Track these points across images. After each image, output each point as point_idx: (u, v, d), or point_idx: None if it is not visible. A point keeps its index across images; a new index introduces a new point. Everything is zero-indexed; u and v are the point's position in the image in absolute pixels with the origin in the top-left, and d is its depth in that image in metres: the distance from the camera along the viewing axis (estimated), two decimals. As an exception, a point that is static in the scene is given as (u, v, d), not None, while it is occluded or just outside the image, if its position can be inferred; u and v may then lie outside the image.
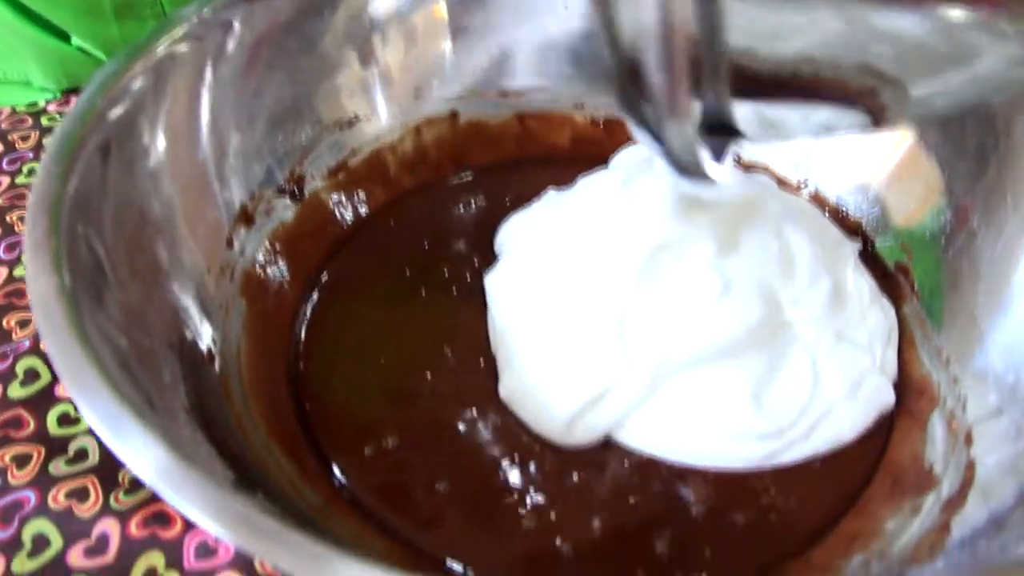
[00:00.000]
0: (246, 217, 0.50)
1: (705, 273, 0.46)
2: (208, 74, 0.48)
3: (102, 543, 0.44)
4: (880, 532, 0.43)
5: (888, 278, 0.53)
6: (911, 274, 0.52)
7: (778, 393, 0.46)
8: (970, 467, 0.43)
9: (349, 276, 0.53)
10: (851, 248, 0.52)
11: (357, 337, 0.50)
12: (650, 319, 0.46)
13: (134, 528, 0.45)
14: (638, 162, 0.55)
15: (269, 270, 0.50)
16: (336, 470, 0.44)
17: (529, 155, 0.60)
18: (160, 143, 0.44)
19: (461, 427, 0.46)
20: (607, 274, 0.47)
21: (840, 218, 0.56)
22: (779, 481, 0.45)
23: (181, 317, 0.43)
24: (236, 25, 0.49)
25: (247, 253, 0.50)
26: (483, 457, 0.45)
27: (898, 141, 0.54)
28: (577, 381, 0.45)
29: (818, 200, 0.57)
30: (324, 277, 0.53)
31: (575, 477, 0.45)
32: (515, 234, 0.52)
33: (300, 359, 0.49)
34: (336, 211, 0.55)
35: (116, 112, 0.42)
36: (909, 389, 0.49)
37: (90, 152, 0.40)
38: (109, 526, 0.45)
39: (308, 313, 0.51)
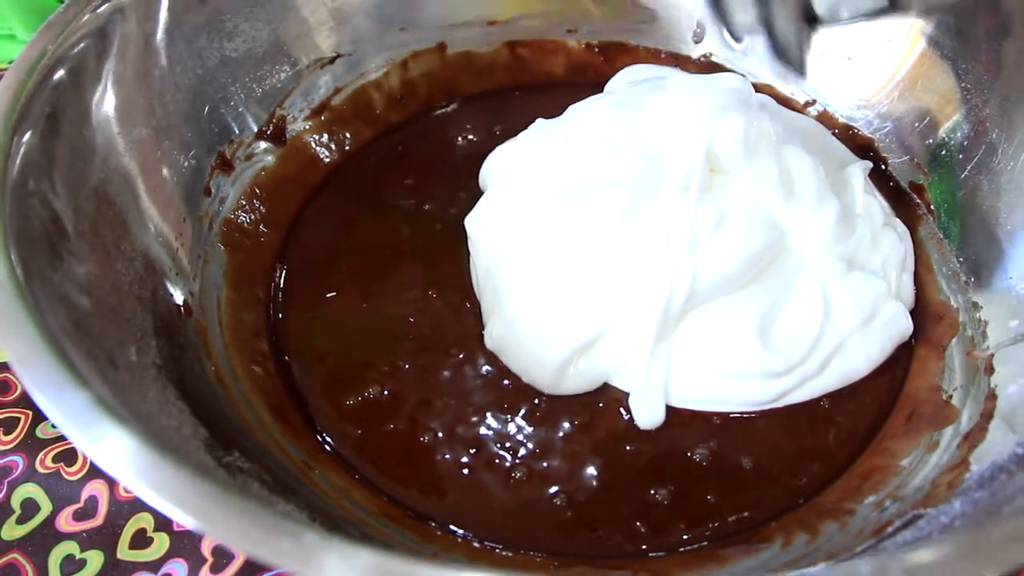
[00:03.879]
0: (224, 164, 0.48)
1: (697, 203, 0.43)
2: (162, 19, 0.45)
3: (91, 506, 0.43)
4: (895, 469, 0.41)
5: (902, 198, 0.50)
6: (926, 193, 0.49)
7: (786, 327, 0.43)
8: (991, 397, 0.41)
9: (331, 219, 0.51)
10: (860, 168, 0.49)
11: (338, 284, 0.48)
12: (642, 257, 0.43)
13: (122, 490, 0.43)
14: (627, 86, 0.52)
15: (250, 216, 0.48)
16: (319, 424, 0.43)
17: (523, 84, 0.57)
18: (111, 95, 0.41)
19: (446, 376, 0.44)
20: (594, 212, 0.44)
21: (849, 136, 0.53)
22: (789, 422, 0.43)
23: (153, 271, 0.41)
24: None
25: (227, 201, 0.48)
26: (470, 408, 0.43)
27: (908, 49, 0.50)
28: (566, 325, 0.43)
29: (826, 119, 0.54)
30: (306, 221, 0.51)
31: (567, 425, 0.43)
32: (498, 168, 0.49)
33: (281, 308, 0.47)
34: (319, 152, 0.53)
35: (64, 67, 0.39)
36: (927, 315, 0.46)
37: (40, 105, 0.37)
38: (98, 489, 0.44)
39: (290, 260, 0.49)
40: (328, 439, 0.42)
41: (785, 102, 0.54)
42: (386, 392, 0.44)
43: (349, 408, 0.43)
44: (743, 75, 0.55)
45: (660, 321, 0.42)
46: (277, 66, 0.51)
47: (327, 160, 0.53)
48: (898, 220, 0.49)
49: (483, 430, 0.42)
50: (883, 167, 0.51)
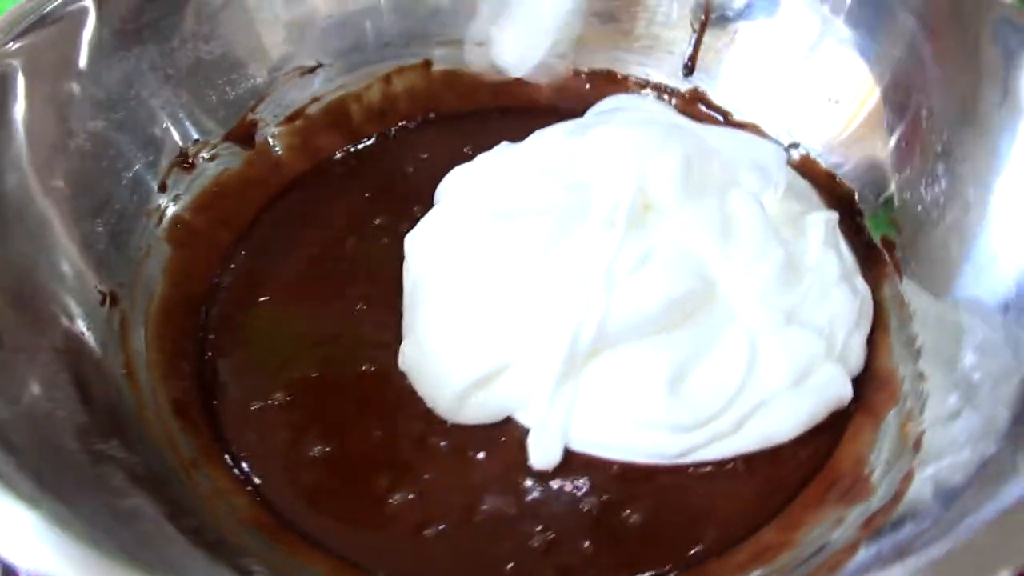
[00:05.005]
0: (184, 162, 0.49)
1: (621, 239, 0.41)
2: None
3: None
4: (794, 544, 0.38)
5: (872, 254, 0.46)
6: (896, 251, 0.45)
7: (702, 380, 0.41)
8: (907, 478, 0.37)
9: (284, 225, 0.51)
10: (823, 218, 0.46)
11: (274, 289, 0.48)
12: (556, 290, 0.41)
13: None
14: (593, 115, 0.50)
15: (202, 217, 0.49)
16: (220, 423, 0.43)
17: (505, 107, 0.56)
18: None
19: (353, 391, 0.44)
20: (516, 240, 0.43)
21: (831, 185, 0.49)
22: (694, 481, 0.40)
23: (86, 257, 0.43)
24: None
25: (181, 199, 0.49)
26: (368, 426, 0.42)
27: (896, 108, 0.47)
28: (470, 354, 0.42)
29: (808, 164, 0.51)
30: (259, 225, 0.51)
31: (461, 455, 0.41)
32: (451, 188, 0.49)
33: (214, 308, 0.47)
34: (286, 158, 0.53)
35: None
36: (873, 382, 0.43)
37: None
38: None
39: (235, 261, 0.49)
40: (225, 440, 0.42)
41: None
42: (289, 399, 0.43)
43: (253, 412, 0.43)
44: (728, 112, 0.53)
45: (565, 359, 0.41)
46: (250, 72, 0.52)
47: (292, 167, 0.53)
48: (860, 279, 0.45)
49: (376, 450, 0.42)
50: (858, 219, 0.48)
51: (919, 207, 0.45)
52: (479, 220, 0.44)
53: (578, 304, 0.41)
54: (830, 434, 0.42)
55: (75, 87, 0.44)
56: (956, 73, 0.44)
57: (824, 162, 0.50)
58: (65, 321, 0.41)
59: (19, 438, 0.33)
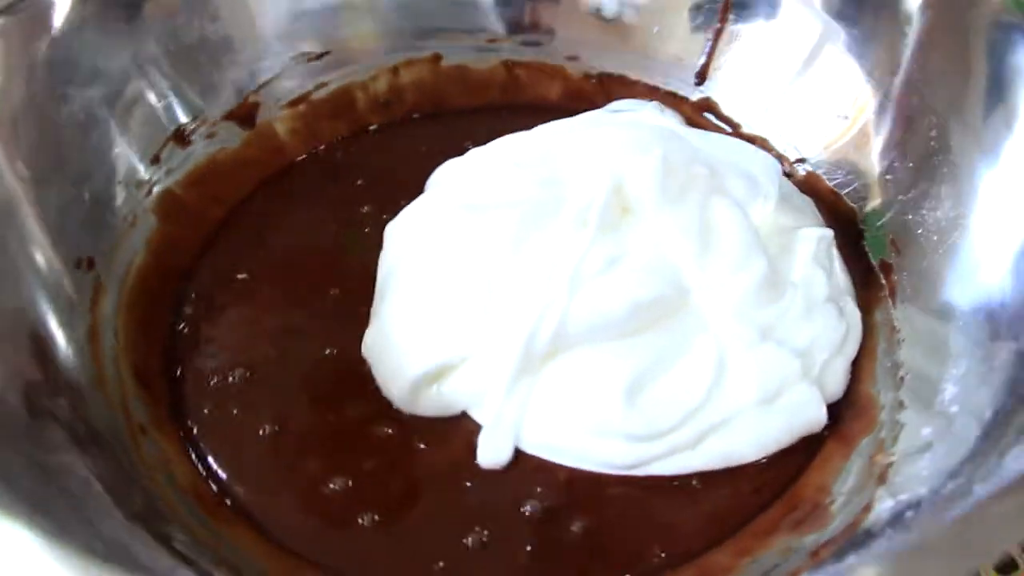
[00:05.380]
0: (180, 137, 0.50)
1: (592, 239, 0.40)
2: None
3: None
4: (739, 570, 0.35)
5: (869, 277, 0.44)
6: (893, 275, 0.43)
7: (663, 390, 0.39)
8: (866, 510, 0.34)
9: (276, 207, 0.51)
10: (815, 235, 0.43)
11: (253, 267, 0.48)
12: (520, 286, 0.40)
13: None
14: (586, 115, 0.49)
15: (193, 192, 0.49)
16: (178, 394, 0.43)
17: (514, 104, 0.55)
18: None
19: (309, 373, 0.43)
20: (484, 232, 0.42)
21: (834, 204, 0.47)
22: (645, 495, 0.38)
23: (57, 220, 0.43)
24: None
25: (173, 173, 0.49)
26: (320, 410, 0.42)
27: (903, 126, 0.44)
28: (430, 345, 0.41)
29: (812, 181, 0.48)
30: (250, 206, 0.51)
31: (410, 446, 0.40)
32: (438, 180, 0.48)
33: (194, 280, 0.47)
34: (286, 141, 0.53)
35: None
36: (852, 408, 0.40)
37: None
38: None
39: (219, 240, 0.49)
40: (179, 411, 0.42)
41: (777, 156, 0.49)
42: (248, 376, 0.43)
43: (211, 387, 0.43)
44: (738, 124, 0.51)
45: (521, 356, 0.39)
46: (256, 54, 0.52)
47: (291, 151, 0.53)
48: (851, 302, 0.43)
49: (322, 434, 0.41)
50: (859, 241, 0.45)
51: (920, 230, 0.42)
52: (451, 211, 0.44)
53: (539, 301, 0.39)
54: (797, 458, 0.39)
55: (73, 55, 0.45)
56: (962, 91, 0.41)
57: (829, 180, 0.48)
58: (31, 279, 0.41)
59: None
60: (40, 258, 0.41)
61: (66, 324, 0.41)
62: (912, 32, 0.44)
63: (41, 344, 0.39)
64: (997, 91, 0.39)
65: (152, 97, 0.48)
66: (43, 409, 0.37)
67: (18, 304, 0.39)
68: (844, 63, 0.47)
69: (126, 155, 0.47)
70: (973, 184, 0.40)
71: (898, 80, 0.44)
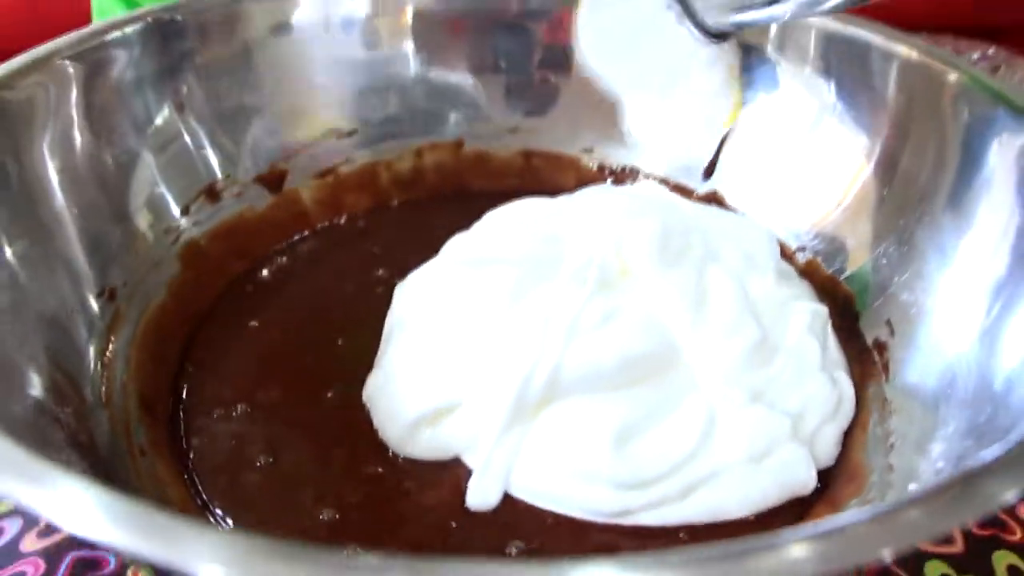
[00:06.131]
0: (212, 194, 0.53)
1: (590, 295, 0.41)
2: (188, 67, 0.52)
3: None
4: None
5: (863, 356, 0.45)
6: (887, 353, 0.44)
7: (652, 440, 0.40)
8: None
9: (294, 266, 0.53)
10: (809, 310, 0.45)
11: (267, 314, 0.50)
12: (516, 336, 0.41)
13: None
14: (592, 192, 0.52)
15: (217, 245, 0.52)
16: (179, 422, 0.44)
17: (531, 190, 0.58)
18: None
19: (312, 414, 0.44)
20: (484, 286, 0.43)
21: (832, 289, 0.48)
22: (630, 543, 0.38)
23: (99, 251, 0.46)
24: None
25: (201, 225, 0.52)
26: (316, 447, 0.42)
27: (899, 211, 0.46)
28: (426, 389, 0.42)
29: (812, 267, 0.50)
30: (272, 260, 0.53)
31: (400, 485, 0.41)
32: (452, 246, 0.50)
33: (208, 323, 0.49)
34: (310, 209, 0.56)
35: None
36: (842, 476, 0.40)
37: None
38: None
39: (238, 288, 0.51)
40: (179, 438, 0.43)
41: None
42: (249, 411, 0.44)
43: (213, 418, 0.44)
44: (742, 213, 0.54)
45: (514, 403, 0.40)
46: (290, 126, 0.56)
47: (315, 217, 0.56)
48: (844, 375, 0.44)
49: (314, 468, 0.41)
50: (854, 320, 0.46)
51: (913, 309, 0.43)
52: (454, 267, 0.46)
53: (534, 350, 0.40)
54: (786, 518, 0.39)
55: (118, 106, 0.48)
56: (945, 172, 0.43)
57: (827, 266, 0.49)
58: (58, 296, 0.43)
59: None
60: (70, 278, 0.44)
61: (83, 344, 0.43)
62: (893, 118, 0.47)
63: (54, 354, 0.41)
64: (975, 171, 0.41)
65: (191, 150, 0.52)
66: (50, 413, 0.38)
67: (42, 311, 0.41)
68: (836, 149, 0.50)
69: (160, 202, 0.50)
70: (960, 262, 0.41)
71: (888, 165, 0.47)
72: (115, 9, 0.73)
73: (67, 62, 0.46)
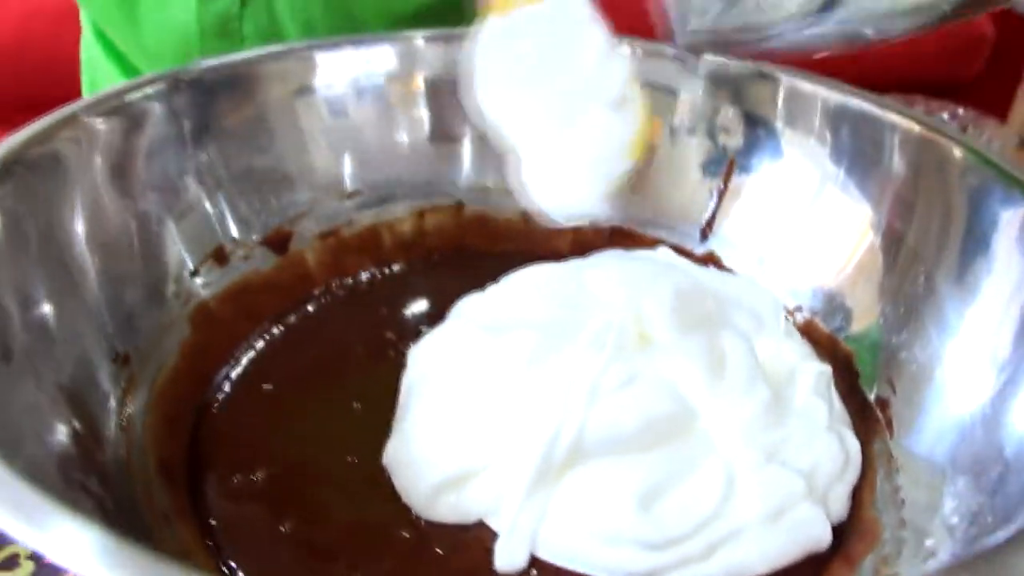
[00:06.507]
0: (220, 256, 0.53)
1: (610, 359, 0.43)
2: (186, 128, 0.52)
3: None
4: None
5: (866, 413, 0.47)
6: (890, 409, 0.45)
7: (675, 501, 0.41)
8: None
9: (303, 328, 0.54)
10: (814, 370, 0.47)
11: (279, 380, 0.50)
12: (539, 400, 0.43)
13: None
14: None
15: (226, 307, 0.52)
16: (202, 488, 0.44)
17: (529, 253, 0.59)
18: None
19: (333, 479, 0.44)
20: (502, 352, 0.45)
21: (832, 347, 0.50)
22: (658, 601, 0.39)
23: (114, 315, 0.46)
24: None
25: (210, 287, 0.52)
26: (340, 512, 0.43)
27: (897, 273, 0.49)
28: (450, 453, 0.43)
29: (811, 327, 0.52)
30: (281, 325, 0.54)
31: (426, 549, 0.41)
32: (461, 311, 0.51)
33: (221, 386, 0.50)
34: (314, 271, 0.56)
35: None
36: (855, 531, 0.42)
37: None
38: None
39: (250, 352, 0.52)
40: (200, 504, 0.43)
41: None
42: (269, 477, 0.44)
43: (233, 484, 0.44)
44: (741, 275, 0.56)
45: (539, 466, 0.41)
46: (295, 188, 0.57)
47: (320, 278, 0.57)
48: (850, 432, 0.45)
49: (341, 534, 0.42)
50: (855, 378, 0.48)
51: (913, 367, 0.45)
52: (472, 333, 0.47)
53: (557, 414, 0.42)
54: (803, 574, 0.40)
55: (137, 167, 0.49)
56: (945, 240, 0.46)
57: (827, 325, 0.51)
58: (76, 364, 0.43)
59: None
60: (90, 342, 0.44)
61: (100, 411, 0.43)
62: (897, 190, 0.49)
63: (76, 422, 0.40)
64: (979, 245, 0.44)
65: (203, 211, 0.52)
66: (77, 482, 0.38)
67: (61, 380, 0.41)
68: (838, 218, 0.52)
69: (172, 264, 0.51)
70: (959, 324, 0.44)
71: (888, 230, 0.49)
72: (106, 66, 0.74)
73: (93, 119, 0.47)
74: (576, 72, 0.46)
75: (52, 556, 0.26)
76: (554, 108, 0.46)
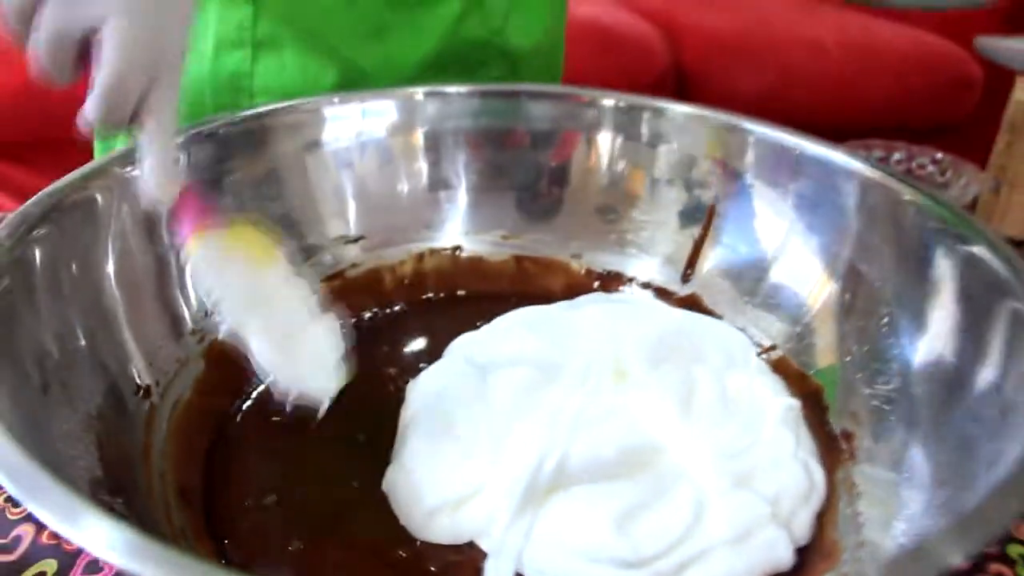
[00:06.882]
0: (230, 296, 0.57)
1: (592, 394, 0.47)
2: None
3: (14, 543, 0.49)
4: None
5: (832, 444, 0.50)
6: (855, 441, 0.49)
7: (649, 523, 0.44)
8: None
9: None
10: (782, 405, 0.50)
11: (290, 414, 0.52)
12: (526, 433, 0.47)
13: (45, 537, 0.49)
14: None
15: (238, 345, 0.56)
16: (214, 509, 0.47)
17: (523, 293, 0.63)
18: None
19: (336, 503, 0.48)
20: (494, 387, 0.49)
21: (801, 382, 0.54)
22: (637, 617, 0.43)
23: (132, 350, 0.50)
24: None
25: (222, 326, 0.56)
26: (341, 531, 0.46)
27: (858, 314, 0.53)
28: (442, 480, 0.47)
29: (782, 364, 0.55)
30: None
31: (421, 567, 0.45)
32: (455, 349, 0.55)
33: (233, 419, 0.53)
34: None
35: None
36: (817, 553, 0.45)
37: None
38: (26, 530, 0.49)
39: (259, 387, 0.55)
40: (214, 524, 0.47)
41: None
42: (277, 501, 0.48)
43: (245, 507, 0.48)
44: (720, 315, 0.59)
45: (525, 489, 0.45)
46: (303, 233, 0.61)
47: (326, 317, 0.61)
48: (816, 462, 0.49)
49: (342, 552, 0.45)
50: (823, 414, 0.52)
51: (875, 402, 0.49)
52: (466, 369, 0.51)
53: (543, 444, 0.46)
54: (767, 593, 0.44)
55: (160, 213, 0.53)
56: (904, 283, 0.50)
57: (797, 362, 0.55)
58: (105, 395, 0.47)
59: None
60: (115, 377, 0.48)
61: (123, 439, 0.47)
62: (854, 232, 0.53)
63: (103, 448, 0.44)
64: (926, 280, 0.48)
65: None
66: (106, 503, 0.42)
67: (90, 410, 0.45)
68: (806, 260, 0.56)
69: (190, 304, 0.55)
70: (919, 362, 0.47)
71: (851, 275, 0.53)
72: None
73: (123, 170, 0.51)
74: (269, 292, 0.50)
75: (89, 549, 0.31)
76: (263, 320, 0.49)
